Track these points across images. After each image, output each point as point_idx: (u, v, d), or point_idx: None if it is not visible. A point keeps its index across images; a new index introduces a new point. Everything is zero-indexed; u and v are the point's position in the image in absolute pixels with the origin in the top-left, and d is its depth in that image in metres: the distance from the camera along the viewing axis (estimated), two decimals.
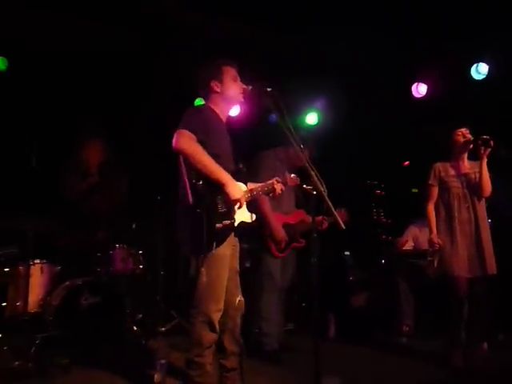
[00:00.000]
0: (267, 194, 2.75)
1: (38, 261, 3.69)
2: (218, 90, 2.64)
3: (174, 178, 2.65)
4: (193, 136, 2.43)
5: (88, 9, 3.95)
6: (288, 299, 3.87)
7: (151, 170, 4.46)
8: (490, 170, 3.29)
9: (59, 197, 4.28)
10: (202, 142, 2.46)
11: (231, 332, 2.65)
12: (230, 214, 2.50)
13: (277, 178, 2.75)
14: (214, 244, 2.42)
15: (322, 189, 2.21)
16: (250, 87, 2.65)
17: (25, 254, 3.56)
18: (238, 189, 2.48)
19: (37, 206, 3.76)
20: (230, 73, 2.67)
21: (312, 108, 5.60)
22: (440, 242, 3.25)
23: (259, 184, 2.70)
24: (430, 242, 3.30)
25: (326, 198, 2.21)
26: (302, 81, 5.14)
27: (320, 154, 5.28)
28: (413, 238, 4.48)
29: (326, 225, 3.69)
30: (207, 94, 2.67)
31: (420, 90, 4.97)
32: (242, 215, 2.58)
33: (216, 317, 2.49)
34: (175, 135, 2.43)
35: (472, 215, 3.26)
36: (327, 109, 5.56)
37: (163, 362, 2.87)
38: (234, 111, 5.07)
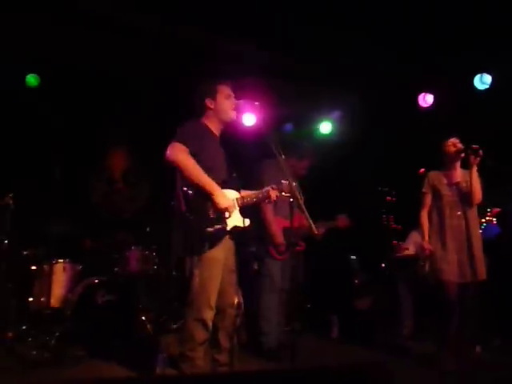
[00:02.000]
0: (262, 201, 2.85)
1: (60, 260, 3.89)
2: (212, 106, 2.77)
3: None
4: (185, 148, 2.57)
5: (112, 25, 4.15)
6: (293, 300, 3.93)
7: (167, 177, 4.63)
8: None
9: (86, 202, 4.50)
10: (194, 155, 2.59)
11: (227, 330, 2.75)
12: (222, 220, 2.61)
13: (272, 185, 2.84)
14: (206, 246, 2.54)
15: (299, 196, 2.29)
16: (242, 101, 2.76)
17: (49, 254, 3.78)
18: (225, 198, 2.61)
19: (62, 210, 3.98)
20: (224, 91, 2.81)
21: (326, 117, 5.66)
22: (430, 247, 3.27)
23: (252, 192, 2.80)
24: (421, 248, 3.32)
25: (302, 205, 2.29)
26: (316, 90, 5.22)
27: (333, 163, 5.37)
28: (414, 243, 4.46)
29: (322, 231, 3.75)
30: (202, 110, 2.82)
31: (427, 99, 4.94)
32: (236, 220, 2.69)
33: (208, 316, 2.61)
34: (169, 147, 2.57)
35: (463, 222, 3.27)
36: (341, 118, 5.60)
37: (164, 355, 3.00)
38: (250, 121, 5.19)
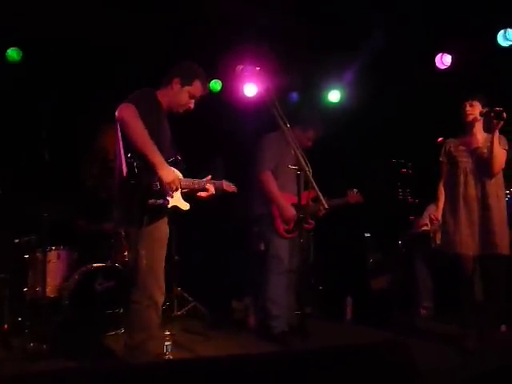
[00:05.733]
0: (197, 191, 2.83)
1: (55, 247, 3.89)
2: (175, 89, 2.76)
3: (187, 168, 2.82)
4: (136, 110, 2.52)
5: None
6: (303, 282, 3.93)
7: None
8: None
9: (78, 184, 4.48)
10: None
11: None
12: (164, 194, 2.58)
13: (209, 179, 2.86)
14: (145, 218, 2.50)
15: (307, 168, 2.25)
16: (241, 67, 2.71)
17: (43, 241, 3.78)
18: (171, 172, 2.56)
19: (54, 194, 3.96)
20: (195, 88, 2.79)
21: (335, 85, 5.56)
22: (438, 217, 3.22)
23: (193, 180, 2.80)
24: (429, 219, 3.30)
25: (311, 177, 2.25)
26: (324, 58, 5.12)
27: (343, 133, 5.29)
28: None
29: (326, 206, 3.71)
30: (166, 83, 2.79)
31: (445, 60, 4.82)
32: (177, 201, 2.69)
33: (161, 300, 2.60)
34: (121, 106, 2.52)
35: (479, 192, 3.20)
36: (351, 85, 5.50)
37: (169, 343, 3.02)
38: (252, 92, 5.11)
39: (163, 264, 2.67)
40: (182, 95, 2.76)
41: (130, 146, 2.51)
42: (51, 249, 3.85)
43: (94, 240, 4.18)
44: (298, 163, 2.31)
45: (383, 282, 4.57)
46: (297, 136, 3.55)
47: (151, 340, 2.60)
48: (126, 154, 2.50)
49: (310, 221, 3.72)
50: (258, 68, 2.57)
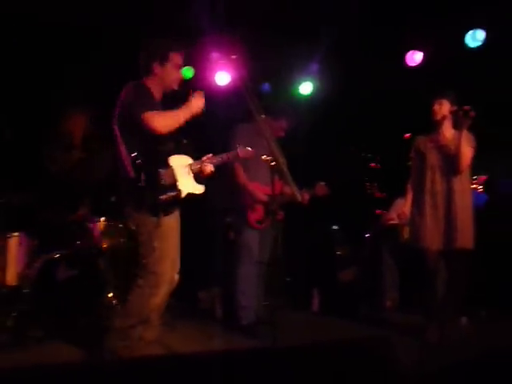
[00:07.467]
0: (231, 161, 2.90)
1: (15, 234, 3.78)
2: (159, 72, 2.74)
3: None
4: (155, 114, 2.58)
5: None
6: (272, 273, 3.96)
7: None
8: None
9: (40, 169, 4.36)
10: None
11: (161, 306, 2.77)
12: (175, 186, 2.58)
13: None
14: (161, 215, 2.50)
15: (281, 159, 2.26)
16: (217, 54, 2.69)
17: (2, 227, 3.66)
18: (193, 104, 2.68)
19: (14, 179, 3.84)
20: (175, 60, 2.77)
21: (307, 77, 5.59)
22: (406, 212, 3.32)
23: (219, 155, 2.85)
24: (398, 214, 3.40)
25: (285, 168, 2.26)
26: (295, 50, 5.13)
27: (314, 126, 5.33)
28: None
29: (307, 197, 3.76)
30: (147, 72, 2.78)
31: (415, 57, 4.92)
32: (189, 186, 2.69)
33: (165, 289, 2.60)
34: (146, 122, 2.55)
35: (445, 188, 3.30)
36: (322, 78, 5.54)
37: None
38: (224, 80, 5.08)
39: (177, 251, 2.70)
40: (168, 74, 2.75)
41: (133, 146, 2.55)
42: (12, 235, 3.74)
43: (56, 227, 4.09)
44: (272, 154, 2.32)
45: (350, 274, 4.66)
46: (270, 126, 3.58)
47: (134, 330, 2.61)
48: (130, 155, 2.52)
49: (280, 212, 3.74)
50: (233, 56, 2.55)
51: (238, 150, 3.02)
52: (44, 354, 3.10)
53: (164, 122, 2.60)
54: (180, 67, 2.80)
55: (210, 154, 2.88)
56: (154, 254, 2.56)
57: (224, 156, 2.95)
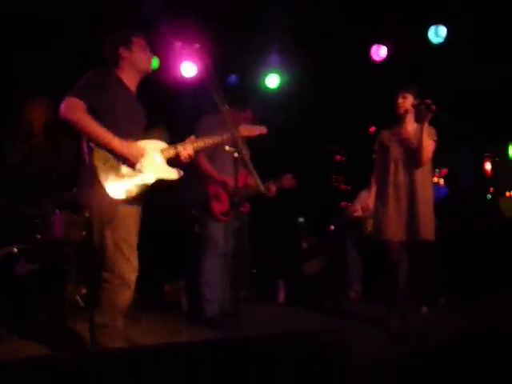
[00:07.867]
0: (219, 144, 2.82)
1: None
2: (127, 56, 2.68)
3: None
4: (80, 104, 2.45)
5: None
6: (237, 265, 3.96)
7: None
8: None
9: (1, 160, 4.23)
10: (96, 109, 2.48)
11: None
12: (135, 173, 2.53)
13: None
14: (120, 204, 2.48)
15: (245, 151, 2.25)
16: (180, 43, 2.66)
17: None
18: (133, 148, 2.50)
19: None
20: (140, 42, 2.72)
21: (273, 70, 5.59)
22: (370, 205, 3.37)
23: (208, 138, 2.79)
24: (362, 206, 3.45)
25: (248, 160, 2.26)
26: (261, 42, 5.12)
27: (279, 118, 5.35)
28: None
29: (274, 189, 3.78)
30: (115, 60, 2.70)
31: (380, 52, 4.99)
32: (160, 172, 2.62)
33: (133, 277, 2.56)
34: (63, 103, 2.44)
35: (408, 180, 3.37)
36: (288, 72, 5.56)
37: None
38: (190, 72, 5.03)
39: (136, 241, 2.61)
40: (136, 56, 2.69)
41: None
42: None
43: (14, 220, 3.98)
44: (235, 145, 2.31)
45: (316, 266, 4.72)
46: (235, 117, 3.57)
47: (117, 321, 2.57)
48: (87, 143, 2.46)
49: (246, 204, 3.75)
50: (197, 45, 2.51)
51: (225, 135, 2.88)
52: (3, 351, 3.02)
53: (78, 120, 2.44)
54: (146, 48, 2.73)
55: (193, 136, 2.79)
56: (107, 244, 2.49)
57: (207, 140, 2.83)
